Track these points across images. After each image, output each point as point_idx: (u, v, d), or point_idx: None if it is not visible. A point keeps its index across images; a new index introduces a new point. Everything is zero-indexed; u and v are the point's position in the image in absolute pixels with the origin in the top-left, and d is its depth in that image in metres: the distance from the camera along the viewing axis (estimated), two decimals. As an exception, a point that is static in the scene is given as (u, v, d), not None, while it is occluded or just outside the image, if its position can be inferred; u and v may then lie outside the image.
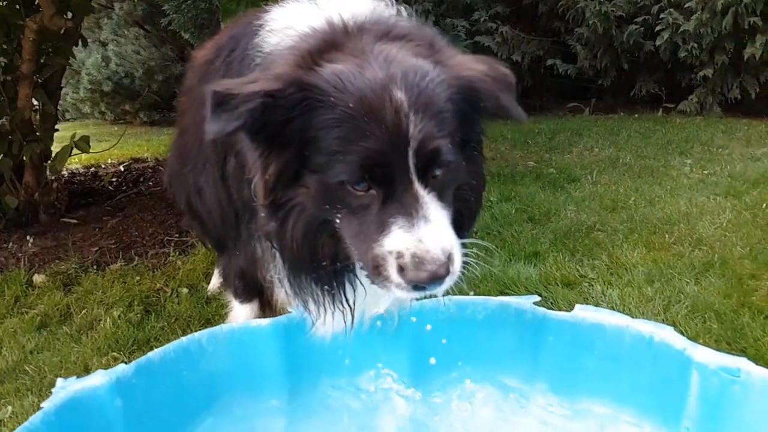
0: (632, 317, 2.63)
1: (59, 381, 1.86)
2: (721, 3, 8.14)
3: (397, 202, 1.51)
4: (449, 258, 1.49)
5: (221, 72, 2.16)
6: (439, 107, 1.53)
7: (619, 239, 3.93)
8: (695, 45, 8.62)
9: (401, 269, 1.48)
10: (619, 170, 5.85)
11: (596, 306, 2.91)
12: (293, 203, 1.63)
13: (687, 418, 1.90)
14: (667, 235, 3.97)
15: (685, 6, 8.71)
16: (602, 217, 4.40)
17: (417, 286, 1.50)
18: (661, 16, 8.84)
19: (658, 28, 8.90)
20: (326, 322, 1.96)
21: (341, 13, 1.75)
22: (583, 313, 2.13)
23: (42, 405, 1.78)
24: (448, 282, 1.54)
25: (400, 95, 1.48)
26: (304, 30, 1.75)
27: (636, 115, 9.53)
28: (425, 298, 1.64)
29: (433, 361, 2.22)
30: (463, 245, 1.63)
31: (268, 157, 1.61)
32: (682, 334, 2.66)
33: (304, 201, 1.62)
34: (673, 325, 2.79)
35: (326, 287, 1.79)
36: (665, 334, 1.98)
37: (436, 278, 1.48)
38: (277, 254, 1.86)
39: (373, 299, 1.93)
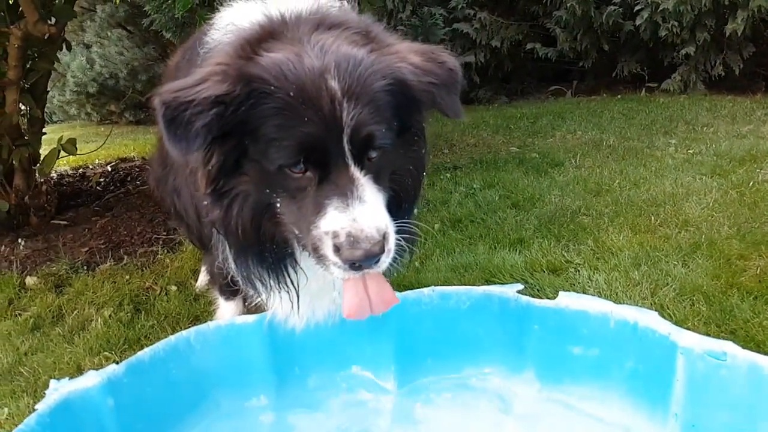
0: (619, 302, 2.68)
1: (52, 382, 1.89)
2: (700, -21, 8.17)
3: (333, 183, 1.57)
4: (384, 237, 1.56)
5: (183, 72, 2.20)
6: (371, 95, 1.58)
7: (605, 223, 3.95)
8: (675, 23, 8.65)
9: (337, 249, 1.54)
10: (603, 153, 5.88)
11: (583, 292, 2.99)
12: (236, 191, 1.69)
13: (675, 403, 1.92)
14: (653, 218, 3.98)
15: (665, -16, 8.74)
16: (587, 201, 4.42)
17: (353, 265, 1.55)
18: (640, -5, 8.86)
19: (637, 7, 8.91)
20: (279, 305, 2.03)
21: (280, 6, 1.81)
22: (566, 300, 2.15)
23: (36, 407, 1.82)
24: (385, 260, 1.60)
25: (334, 84, 1.53)
26: (244, 24, 1.81)
27: (619, 96, 9.55)
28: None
29: (418, 353, 2.25)
30: (400, 228, 1.68)
31: (210, 150, 1.65)
32: (671, 317, 2.73)
33: (246, 188, 1.67)
34: (662, 308, 2.83)
35: (270, 269, 1.85)
36: (649, 320, 2.00)
37: (371, 256, 1.53)
38: (223, 241, 1.91)
39: (321, 282, 1.96)
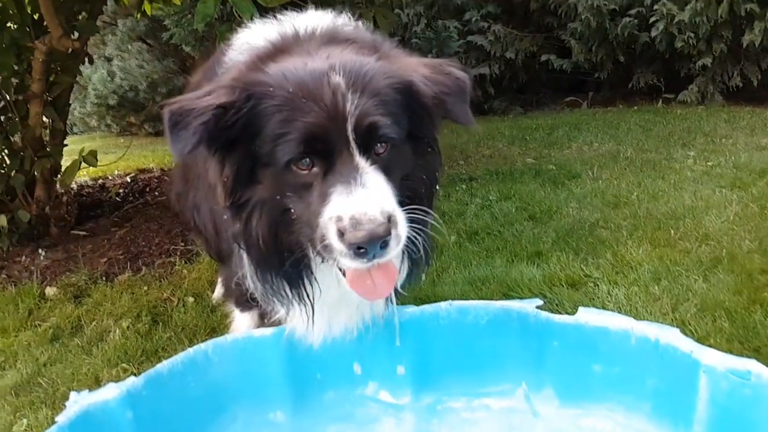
0: (640, 317, 2.63)
1: (72, 394, 1.90)
2: (715, -9, 8.14)
3: (337, 173, 1.56)
4: (390, 220, 1.52)
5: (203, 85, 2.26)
6: (377, 89, 1.60)
7: (623, 236, 3.91)
8: (691, 35, 8.62)
9: (341, 234, 1.50)
10: (620, 165, 5.85)
11: (602, 307, 2.96)
12: (253, 201, 1.69)
13: (697, 422, 1.87)
14: (672, 231, 3.94)
15: (679, -4, 8.72)
16: (605, 213, 4.39)
17: (358, 250, 1.50)
18: (655, 7, 8.85)
19: (652, 19, 8.91)
20: (297, 320, 2.03)
21: (295, 25, 1.88)
22: (586, 316, 2.12)
23: (56, 418, 1.82)
24: (393, 246, 1.55)
25: (337, 78, 1.57)
26: (259, 43, 1.87)
27: (635, 107, 9.51)
28: (372, 265, 1.60)
29: (435, 368, 2.23)
30: (415, 219, 1.67)
31: (224, 161, 1.68)
32: (693, 334, 2.69)
33: (262, 196, 1.68)
34: (683, 324, 2.79)
35: (289, 281, 1.83)
36: (671, 337, 1.95)
37: (375, 237, 1.48)
38: (245, 257, 1.90)
39: (338, 297, 1.95)
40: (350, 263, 1.57)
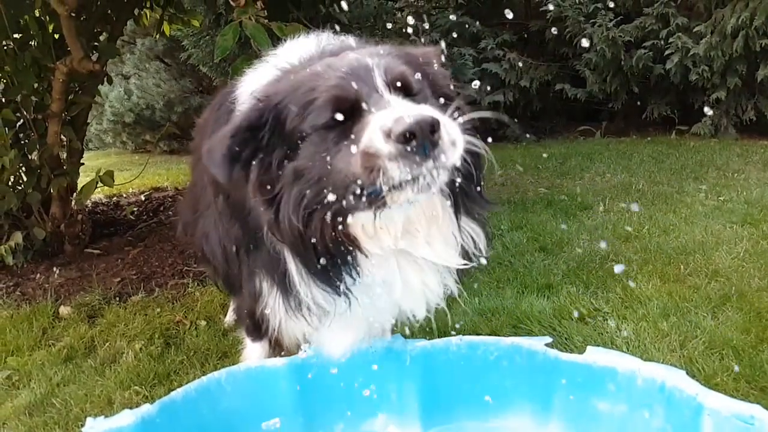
0: (648, 355, 2.65)
1: (88, 420, 1.93)
2: (730, 26, 8.20)
3: (370, 113, 1.52)
4: (434, 117, 1.42)
5: (213, 124, 2.32)
6: (396, 61, 1.67)
7: (633, 270, 3.92)
8: (706, 68, 8.67)
9: (387, 135, 1.41)
10: (632, 197, 5.86)
11: (611, 342, 2.98)
12: (286, 181, 1.66)
13: (701, 465, 1.88)
14: (682, 266, 3.94)
15: (695, 30, 8.79)
16: (615, 247, 4.40)
17: (408, 142, 1.39)
18: (670, 40, 8.91)
19: (667, 52, 8.96)
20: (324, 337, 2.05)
21: (295, 57, 1.95)
22: (594, 355, 2.14)
23: (72, 444, 1.86)
24: (447, 144, 1.45)
25: (355, 54, 1.66)
26: (269, 77, 1.93)
27: (648, 138, 9.53)
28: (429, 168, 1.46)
29: (443, 401, 2.26)
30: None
31: (254, 162, 1.72)
32: (700, 372, 2.69)
33: (295, 171, 1.64)
34: (691, 362, 2.80)
35: (333, 276, 1.76)
36: (677, 379, 1.98)
37: (424, 123, 1.38)
38: (285, 256, 1.86)
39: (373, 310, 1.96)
40: (401, 171, 1.43)
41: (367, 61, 1.60)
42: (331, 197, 1.58)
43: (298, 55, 1.96)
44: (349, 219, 1.64)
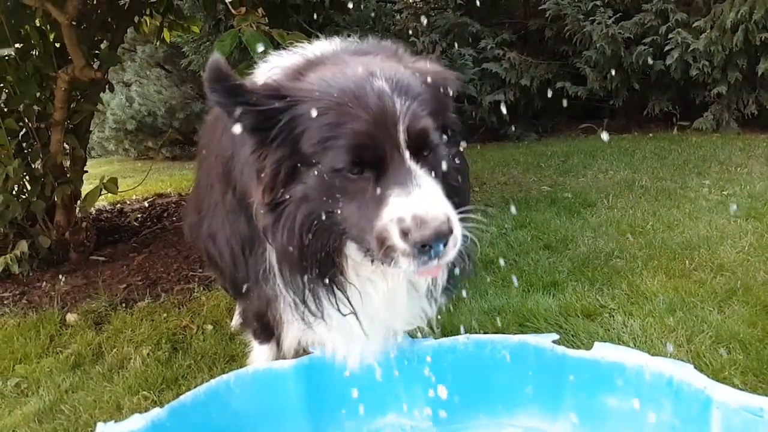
0: (655, 350, 2.65)
1: (99, 425, 1.94)
2: (730, 21, 8.19)
3: (390, 177, 1.58)
4: (449, 220, 1.55)
5: (223, 124, 2.30)
6: (418, 91, 1.67)
7: (639, 267, 3.92)
8: (706, 63, 8.66)
9: (404, 234, 1.52)
10: (635, 193, 5.85)
11: (618, 338, 2.98)
12: (294, 200, 1.69)
13: (710, 458, 1.88)
14: (687, 261, 3.93)
15: (694, 25, 8.79)
16: (620, 243, 4.40)
17: (423, 248, 1.52)
18: (670, 36, 8.91)
19: (667, 47, 8.96)
20: (326, 340, 2.07)
21: (314, 50, 1.97)
22: (602, 351, 2.14)
23: (83, 449, 1.87)
24: (452, 246, 1.57)
25: (380, 83, 1.61)
26: (285, 63, 1.94)
27: (650, 134, 9.52)
28: (433, 266, 1.61)
29: (452, 400, 2.25)
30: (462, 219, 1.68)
31: (264, 158, 1.71)
32: (707, 366, 2.69)
33: (303, 195, 1.68)
34: (698, 356, 2.80)
35: (321, 288, 1.83)
36: (685, 373, 1.98)
37: (441, 235, 1.51)
38: (275, 261, 1.91)
39: (378, 317, 1.99)
40: (411, 264, 1.57)
41: (395, 108, 1.58)
42: (335, 229, 1.70)
43: (321, 49, 1.97)
44: (344, 248, 1.78)
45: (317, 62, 1.84)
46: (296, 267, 1.80)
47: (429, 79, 1.73)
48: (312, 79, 1.68)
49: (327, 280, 1.82)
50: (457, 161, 1.88)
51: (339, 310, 1.89)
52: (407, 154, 1.59)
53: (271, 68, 2.01)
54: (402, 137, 1.58)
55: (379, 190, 1.58)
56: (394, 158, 1.58)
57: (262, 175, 1.71)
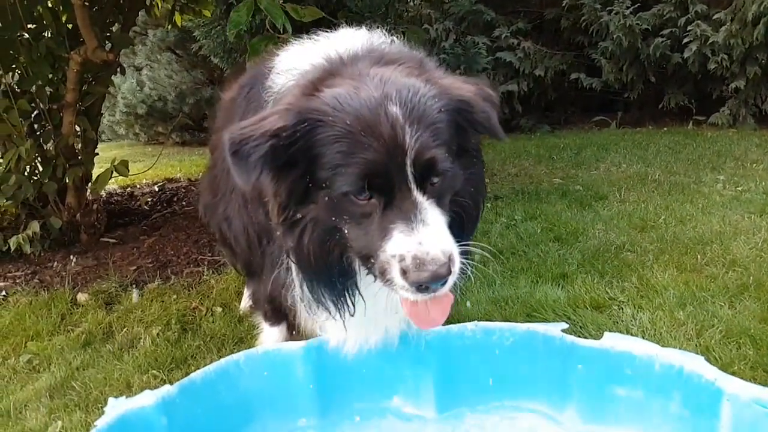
0: (664, 343, 2.63)
1: (110, 400, 1.97)
2: (751, 13, 8.05)
3: (396, 208, 1.61)
4: (449, 259, 1.59)
5: (242, 108, 2.32)
6: (432, 119, 1.65)
7: (650, 260, 3.89)
8: (725, 56, 8.53)
9: (404, 272, 1.58)
10: (648, 187, 5.80)
11: (627, 331, 2.97)
12: (307, 219, 1.75)
13: (719, 450, 1.87)
14: (699, 256, 3.90)
15: (714, 17, 8.65)
16: (631, 236, 4.37)
17: (420, 287, 1.59)
18: (689, 28, 8.77)
19: (685, 40, 8.82)
20: (336, 330, 2.09)
21: (337, 47, 1.93)
22: (611, 340, 2.14)
23: (96, 423, 1.90)
24: (451, 282, 1.63)
25: (395, 110, 1.60)
26: (305, 67, 1.92)
27: (665, 129, 9.42)
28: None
29: (459, 386, 2.26)
30: (463, 252, 1.72)
31: (278, 180, 1.73)
32: (717, 360, 2.67)
33: (315, 215, 1.73)
34: (707, 350, 2.78)
35: (336, 294, 1.90)
36: (696, 364, 1.97)
37: (438, 278, 1.57)
38: (294, 269, 1.96)
39: (376, 309, 2.01)
40: (411, 296, 1.65)
41: (405, 139, 1.58)
42: (347, 250, 1.78)
43: (344, 46, 1.94)
44: (354, 263, 1.85)
45: (335, 72, 1.81)
46: (315, 280, 1.89)
47: (450, 101, 1.71)
48: (327, 98, 1.66)
49: (340, 287, 1.89)
50: (472, 186, 1.89)
51: (349, 310, 1.94)
52: (414, 185, 1.62)
53: (288, 69, 2.01)
54: (409, 170, 1.60)
55: (384, 220, 1.62)
56: (402, 189, 1.61)
57: (278, 196, 1.75)
